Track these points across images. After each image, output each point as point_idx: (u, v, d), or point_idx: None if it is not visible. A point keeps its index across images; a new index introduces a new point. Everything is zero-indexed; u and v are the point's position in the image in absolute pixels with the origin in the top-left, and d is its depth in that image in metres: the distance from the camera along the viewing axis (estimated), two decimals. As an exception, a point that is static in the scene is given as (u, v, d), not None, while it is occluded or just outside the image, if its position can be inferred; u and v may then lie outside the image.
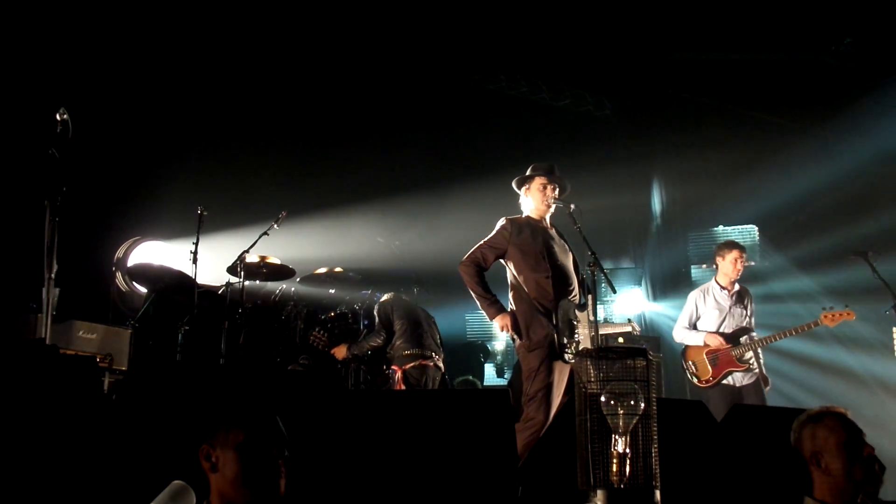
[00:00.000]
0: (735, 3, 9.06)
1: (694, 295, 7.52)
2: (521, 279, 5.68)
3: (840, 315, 6.93)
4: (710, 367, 7.14)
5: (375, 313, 7.80)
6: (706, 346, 7.20)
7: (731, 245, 7.49)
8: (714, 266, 7.56)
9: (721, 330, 7.24)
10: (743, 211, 10.40)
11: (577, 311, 5.62)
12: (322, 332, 7.80)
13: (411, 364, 7.52)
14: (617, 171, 10.64)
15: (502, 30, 9.71)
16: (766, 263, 10.04)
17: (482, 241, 5.83)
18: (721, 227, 10.44)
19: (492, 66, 10.54)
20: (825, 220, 9.62)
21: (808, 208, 9.79)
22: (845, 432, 3.28)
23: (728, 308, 7.32)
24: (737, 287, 7.42)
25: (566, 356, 5.40)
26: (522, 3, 9.28)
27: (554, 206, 5.88)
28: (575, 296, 5.73)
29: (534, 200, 5.88)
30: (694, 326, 7.41)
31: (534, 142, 10.61)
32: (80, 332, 6.19)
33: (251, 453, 2.56)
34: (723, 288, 7.39)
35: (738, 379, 7.13)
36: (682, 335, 7.41)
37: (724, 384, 7.11)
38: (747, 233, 10.33)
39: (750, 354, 7.07)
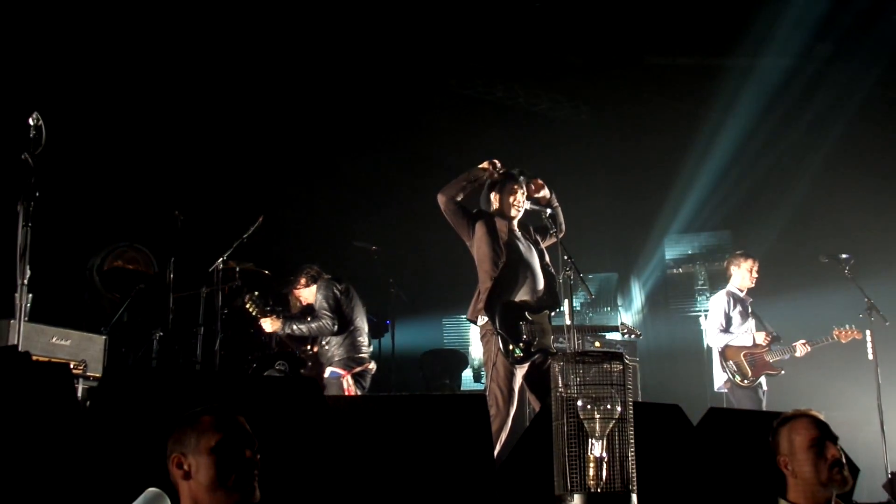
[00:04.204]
0: (710, 8, 9.15)
1: (721, 301, 7.64)
2: (484, 267, 5.65)
3: (849, 333, 7.27)
4: (748, 368, 7.31)
5: (323, 297, 7.06)
6: (751, 346, 7.40)
7: (746, 255, 7.70)
8: (728, 275, 7.74)
9: (755, 335, 7.51)
10: (717, 216, 10.50)
11: (529, 315, 5.59)
12: (258, 295, 7.15)
13: (359, 368, 7.06)
14: (593, 175, 10.69)
15: (479, 35, 9.73)
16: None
17: None
18: (697, 233, 10.54)
19: (468, 71, 10.55)
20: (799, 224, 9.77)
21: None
22: (813, 435, 3.31)
23: (751, 314, 7.57)
24: (750, 297, 7.66)
25: (515, 356, 5.42)
26: (499, 8, 9.31)
27: (524, 210, 5.85)
28: (538, 296, 5.71)
29: (504, 206, 5.83)
30: (726, 331, 7.55)
31: (510, 147, 10.63)
32: (54, 339, 6.11)
33: (225, 456, 2.56)
34: (743, 295, 7.61)
35: (765, 383, 7.41)
36: (723, 339, 7.49)
37: (756, 387, 7.35)
38: (722, 237, 10.42)
39: (779, 359, 7.39)
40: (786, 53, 9.72)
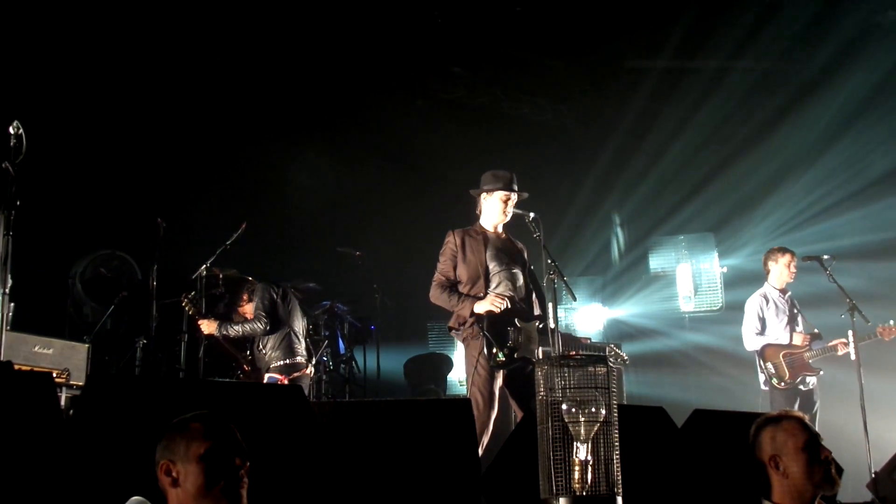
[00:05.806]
0: (690, 11, 9.18)
1: (756, 302, 7.57)
2: (463, 288, 5.74)
3: (893, 330, 7.16)
4: (787, 370, 7.26)
5: (259, 298, 7.23)
6: (789, 345, 7.33)
7: (784, 249, 7.61)
8: (766, 272, 7.66)
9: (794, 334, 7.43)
10: (701, 219, 10.54)
11: (518, 322, 5.62)
12: (195, 295, 7.27)
13: (297, 374, 7.19)
14: (576, 180, 10.71)
15: (460, 40, 9.74)
16: (725, 270, 10.17)
17: (438, 264, 5.87)
18: (681, 236, 10.56)
19: (450, 76, 10.55)
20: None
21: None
22: (804, 436, 3.31)
23: (788, 312, 7.50)
24: (789, 291, 7.58)
25: (497, 360, 5.44)
26: (480, 12, 9.32)
27: (510, 215, 5.90)
28: (522, 305, 5.75)
29: (492, 212, 5.88)
30: (761, 334, 7.48)
31: (493, 151, 10.66)
32: (36, 347, 6.08)
33: (214, 464, 2.56)
34: (780, 292, 7.53)
35: (809, 382, 7.33)
36: (759, 341, 7.42)
37: (797, 388, 7.28)
38: (706, 240, 10.45)
39: (819, 358, 7.30)
40: (767, 56, 9.77)
